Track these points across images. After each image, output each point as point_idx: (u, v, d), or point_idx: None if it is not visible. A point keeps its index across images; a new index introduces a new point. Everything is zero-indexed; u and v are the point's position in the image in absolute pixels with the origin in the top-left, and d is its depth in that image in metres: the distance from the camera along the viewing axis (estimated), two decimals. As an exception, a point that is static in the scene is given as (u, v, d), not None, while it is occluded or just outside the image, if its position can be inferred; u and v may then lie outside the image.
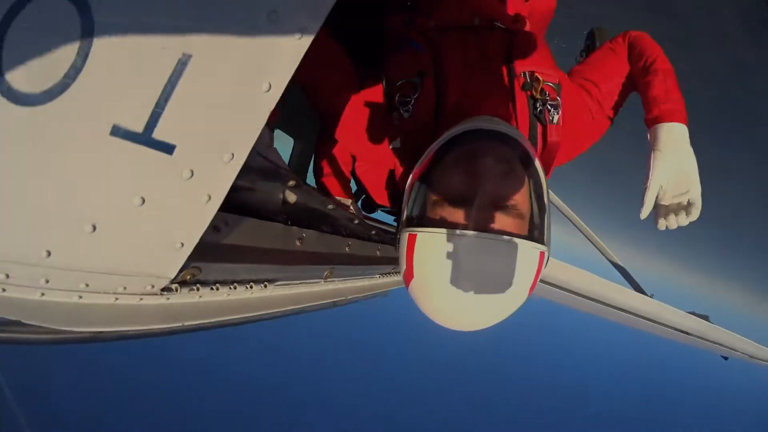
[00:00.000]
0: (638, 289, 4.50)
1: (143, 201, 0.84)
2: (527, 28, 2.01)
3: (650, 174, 1.69)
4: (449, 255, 1.27)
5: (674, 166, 1.69)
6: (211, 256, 1.13)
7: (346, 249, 1.78)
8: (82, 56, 0.69)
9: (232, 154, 0.89)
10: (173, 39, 0.77)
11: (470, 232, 1.26)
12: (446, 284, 1.27)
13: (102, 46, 0.69)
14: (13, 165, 0.78)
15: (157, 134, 0.78)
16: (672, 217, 1.71)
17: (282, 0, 0.86)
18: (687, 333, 4.82)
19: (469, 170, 1.37)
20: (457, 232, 1.26)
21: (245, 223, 1.21)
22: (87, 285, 0.95)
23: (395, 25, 1.97)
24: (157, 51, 0.76)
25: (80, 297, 0.99)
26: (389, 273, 2.10)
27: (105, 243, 0.86)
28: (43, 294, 0.95)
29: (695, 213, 1.68)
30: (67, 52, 0.69)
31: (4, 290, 0.91)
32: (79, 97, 0.71)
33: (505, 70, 1.79)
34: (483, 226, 1.30)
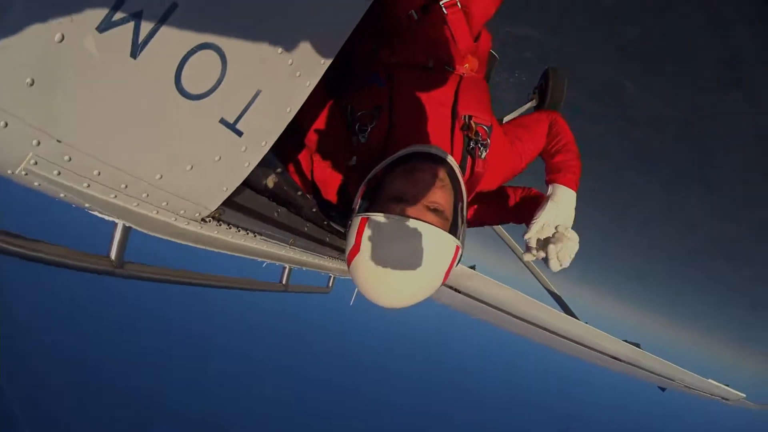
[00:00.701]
0: (571, 314, 4.81)
1: (220, 158, 1.48)
2: (474, 65, 2.44)
3: (540, 212, 2.21)
4: (389, 233, 1.73)
5: (561, 214, 2.22)
6: (228, 205, 1.70)
7: (305, 229, 2.24)
8: (216, 86, 1.31)
9: (265, 142, 1.57)
10: (252, 82, 1.42)
11: (407, 218, 1.72)
12: (384, 256, 1.72)
13: (229, 79, 1.32)
14: (169, 130, 1.33)
15: (238, 125, 1.44)
16: (547, 249, 2.16)
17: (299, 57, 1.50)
18: (619, 359, 5.08)
19: (411, 178, 1.84)
20: (398, 217, 1.73)
21: (246, 191, 1.76)
22: (166, 203, 1.52)
23: (362, 54, 2.34)
24: (249, 87, 1.41)
25: (157, 212, 1.54)
26: (334, 258, 2.58)
27: (192, 177, 1.47)
28: (138, 204, 1.47)
29: (571, 247, 2.14)
30: (214, 74, 1.30)
31: (115, 196, 1.41)
32: (213, 100, 1.33)
33: (449, 112, 2.20)
34: (416, 215, 1.76)
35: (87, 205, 1.41)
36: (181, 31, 1.20)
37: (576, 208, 2.31)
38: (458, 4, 2.40)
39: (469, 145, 2.19)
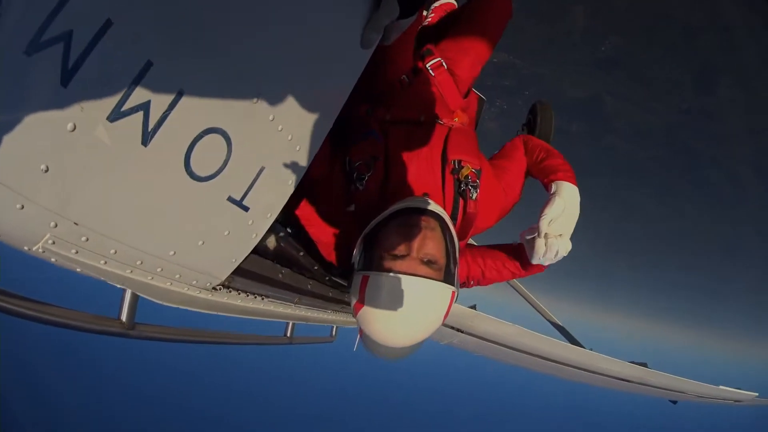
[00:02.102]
0: (576, 343, 4.86)
1: (229, 233, 1.56)
2: (464, 119, 2.53)
3: (548, 207, 2.27)
4: (388, 289, 1.86)
5: (567, 209, 2.28)
6: (237, 272, 1.78)
7: (309, 286, 2.32)
8: (223, 167, 1.40)
9: (270, 214, 1.66)
10: (256, 160, 1.51)
11: (404, 275, 1.85)
12: (387, 308, 1.85)
13: (234, 159, 1.40)
14: (181, 210, 1.41)
15: (245, 201, 1.52)
16: (549, 241, 2.24)
17: (298, 132, 1.61)
18: (628, 381, 5.09)
19: (406, 234, 1.92)
20: (397, 274, 1.86)
21: (251, 256, 1.81)
22: (179, 276, 1.60)
23: (360, 113, 2.39)
24: (253, 165, 1.50)
25: (171, 284, 1.61)
26: (337, 311, 2.65)
27: (204, 252, 1.55)
28: (152, 278, 1.54)
29: (562, 252, 2.26)
30: (220, 156, 1.39)
31: (131, 272, 1.48)
32: (220, 181, 1.41)
33: (439, 158, 2.29)
34: (413, 271, 1.88)
35: (103, 278, 1.47)
36: (188, 118, 1.28)
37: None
38: (444, 65, 2.54)
39: (459, 187, 2.28)
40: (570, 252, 2.32)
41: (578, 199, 2.35)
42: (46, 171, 1.10)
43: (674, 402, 6.18)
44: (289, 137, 1.56)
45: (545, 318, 5.56)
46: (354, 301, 1.99)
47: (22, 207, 1.11)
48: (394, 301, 1.85)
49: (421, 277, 1.88)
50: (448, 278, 1.99)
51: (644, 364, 4.89)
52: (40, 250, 1.25)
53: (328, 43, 1.56)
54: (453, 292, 1.98)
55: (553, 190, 2.38)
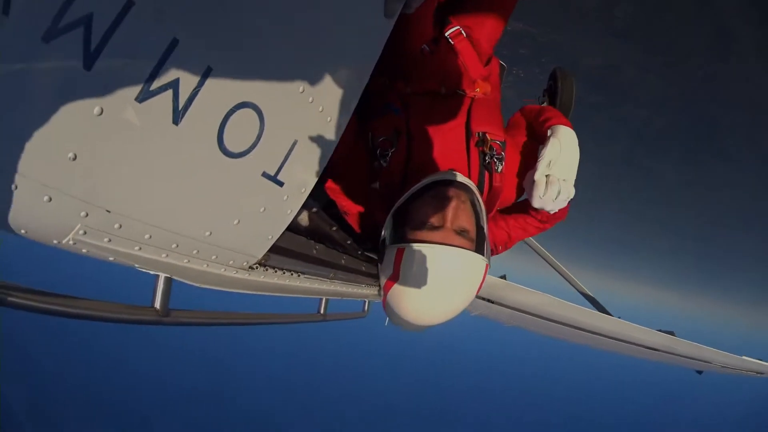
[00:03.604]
0: (605, 311, 4.87)
1: (264, 209, 1.52)
2: (486, 88, 2.46)
3: (545, 149, 2.22)
4: (426, 260, 1.84)
5: (564, 149, 2.22)
6: (273, 249, 1.73)
7: (343, 261, 2.28)
8: (256, 142, 1.35)
9: (305, 189, 1.61)
10: (289, 133, 1.47)
11: (441, 245, 1.84)
12: (423, 281, 1.84)
13: (267, 133, 1.35)
14: (216, 189, 1.37)
15: (279, 176, 1.47)
16: (549, 179, 2.17)
17: (328, 103, 1.56)
18: (655, 349, 5.15)
19: (436, 205, 1.91)
20: (431, 244, 1.85)
21: (286, 233, 1.75)
22: (216, 257, 1.56)
23: (378, 87, 2.33)
24: (286, 139, 1.45)
25: (207, 265, 1.58)
26: (370, 284, 2.61)
27: (240, 230, 1.51)
28: (188, 261, 1.51)
29: (564, 195, 2.17)
30: (253, 131, 1.34)
31: (166, 256, 1.44)
32: (254, 156, 1.36)
33: (463, 130, 2.29)
34: (449, 241, 1.86)
35: (137, 265, 1.45)
36: (219, 93, 1.24)
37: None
38: (463, 33, 2.48)
39: (485, 160, 2.26)
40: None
41: (575, 140, 2.31)
42: (74, 159, 1.06)
43: (700, 372, 6.23)
44: (320, 109, 1.51)
45: (574, 287, 5.54)
46: (385, 279, 1.99)
47: (50, 199, 1.08)
48: (432, 273, 1.84)
49: (456, 247, 1.85)
50: (480, 249, 1.96)
51: (671, 333, 4.90)
52: (71, 242, 1.21)
53: (352, 13, 1.50)
54: (486, 264, 1.96)
55: (549, 134, 2.33)
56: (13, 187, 1.02)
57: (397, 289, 1.94)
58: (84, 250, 1.28)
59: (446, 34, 2.48)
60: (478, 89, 2.43)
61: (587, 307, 4.98)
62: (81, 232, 1.19)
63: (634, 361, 6.06)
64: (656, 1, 10.72)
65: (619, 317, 4.83)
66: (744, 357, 5.54)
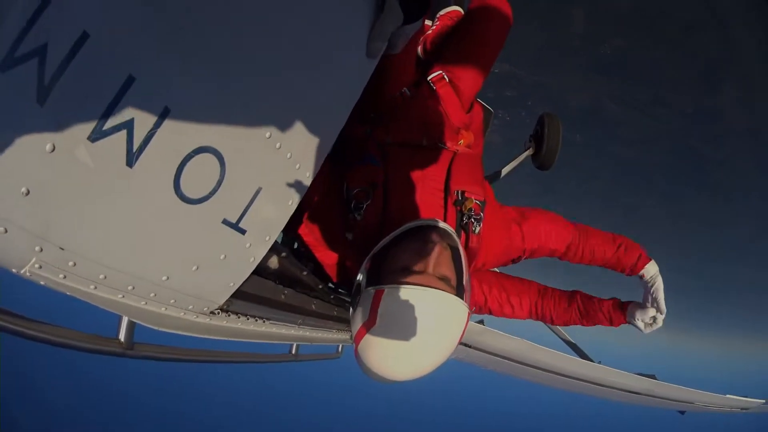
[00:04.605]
0: (585, 357, 4.79)
1: (225, 257, 1.45)
2: (469, 139, 2.34)
3: (659, 293, 2.46)
4: (407, 303, 1.65)
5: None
6: (236, 295, 1.66)
7: (313, 306, 2.21)
8: (216, 188, 1.29)
9: (269, 237, 1.54)
10: (253, 180, 1.40)
11: (423, 287, 1.67)
12: (404, 326, 1.65)
13: (228, 180, 1.29)
14: (172, 234, 1.30)
15: (241, 223, 1.40)
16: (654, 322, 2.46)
17: (298, 149, 1.50)
18: (637, 393, 5.07)
19: (421, 251, 1.79)
20: (415, 286, 1.67)
21: (252, 278, 1.68)
22: (174, 301, 1.49)
23: (358, 135, 2.27)
24: (249, 186, 1.39)
25: (165, 309, 1.50)
26: (343, 330, 2.55)
27: (199, 277, 1.43)
28: (146, 303, 1.44)
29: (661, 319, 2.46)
30: (213, 177, 1.28)
31: (123, 297, 1.37)
32: (213, 203, 1.30)
33: (442, 187, 2.17)
34: (432, 285, 1.71)
35: (94, 303, 1.37)
36: (177, 136, 1.17)
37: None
38: (445, 77, 2.41)
39: (462, 220, 2.17)
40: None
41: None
42: (27, 194, 1.01)
43: (682, 412, 6.11)
44: (289, 155, 1.45)
45: (555, 333, 5.38)
46: (358, 327, 1.78)
47: (5, 230, 1.03)
48: (412, 316, 1.66)
49: (439, 290, 1.71)
50: (461, 296, 1.82)
51: (653, 376, 4.80)
52: (27, 274, 1.16)
53: (331, 53, 1.45)
54: (468, 312, 1.82)
55: (649, 273, 2.53)
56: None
57: (371, 337, 1.71)
58: (42, 282, 1.22)
59: (428, 78, 2.42)
60: (461, 141, 2.33)
61: (567, 352, 4.89)
62: (36, 265, 1.14)
63: (615, 403, 5.95)
64: (642, 40, 10.87)
65: (599, 362, 4.71)
66: (728, 395, 5.50)
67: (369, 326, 1.71)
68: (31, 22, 0.90)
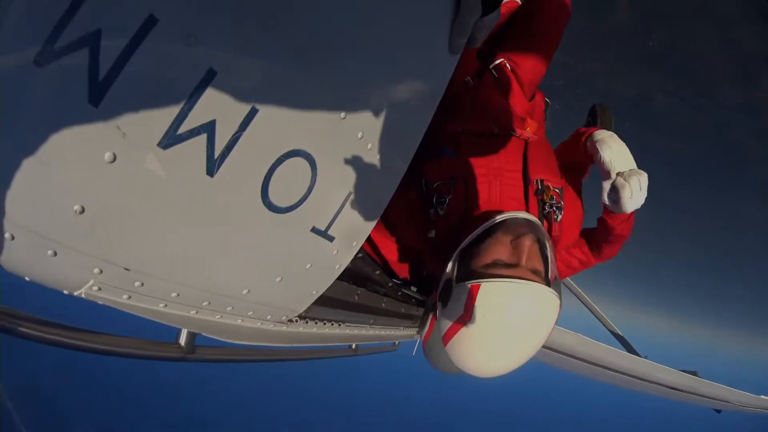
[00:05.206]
0: (632, 351, 4.81)
1: (311, 265, 1.32)
2: (534, 126, 2.27)
3: (600, 153, 1.98)
4: (506, 297, 1.62)
5: (614, 144, 2.00)
6: (315, 301, 1.54)
7: (383, 304, 2.12)
8: (307, 195, 1.16)
9: (356, 242, 1.41)
10: (344, 184, 1.27)
11: (522, 280, 1.62)
12: (502, 320, 1.62)
13: (320, 185, 1.17)
14: (257, 247, 1.19)
15: (330, 231, 1.27)
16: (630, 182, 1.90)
17: (386, 151, 1.35)
18: (678, 389, 5.00)
19: (515, 244, 1.73)
20: (514, 281, 1.63)
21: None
22: (252, 313, 1.38)
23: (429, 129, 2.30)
24: (341, 190, 1.26)
25: (242, 320, 1.40)
26: (408, 327, 2.47)
27: (281, 288, 1.32)
28: (221, 317, 1.34)
29: (644, 179, 1.91)
30: (304, 183, 1.15)
31: (196, 312, 1.27)
32: (303, 211, 1.17)
33: (521, 176, 2.10)
34: (527, 278, 1.66)
35: (160, 321, 1.25)
36: (265, 140, 1.02)
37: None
38: (508, 66, 2.36)
39: (544, 209, 2.09)
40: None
41: (614, 135, 2.10)
42: (81, 212, 0.86)
43: (718, 411, 6.03)
44: (378, 156, 1.31)
45: (605, 326, 5.48)
46: (450, 323, 1.73)
47: (55, 254, 0.89)
48: (512, 311, 1.63)
49: (536, 283, 1.65)
50: (554, 288, 1.76)
51: (695, 373, 4.83)
52: (83, 295, 1.02)
53: (415, 51, 1.31)
54: (560, 304, 1.75)
55: (592, 141, 2.10)
56: (7, 236, 0.84)
57: (467, 332, 1.67)
58: (100, 302, 1.08)
59: (491, 67, 2.36)
60: (528, 129, 2.24)
61: (616, 346, 4.92)
62: (95, 288, 1.01)
63: (652, 398, 5.96)
64: (688, 30, 10.51)
65: (646, 356, 4.76)
66: (762, 396, 5.46)
67: (464, 321, 1.66)
68: (77, 4, 0.73)
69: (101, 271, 0.97)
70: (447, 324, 1.74)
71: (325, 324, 1.72)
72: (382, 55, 1.20)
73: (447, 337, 1.75)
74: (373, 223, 1.45)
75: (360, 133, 1.22)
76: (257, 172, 1.05)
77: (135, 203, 0.92)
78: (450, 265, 1.86)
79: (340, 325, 1.82)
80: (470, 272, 1.76)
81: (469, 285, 1.67)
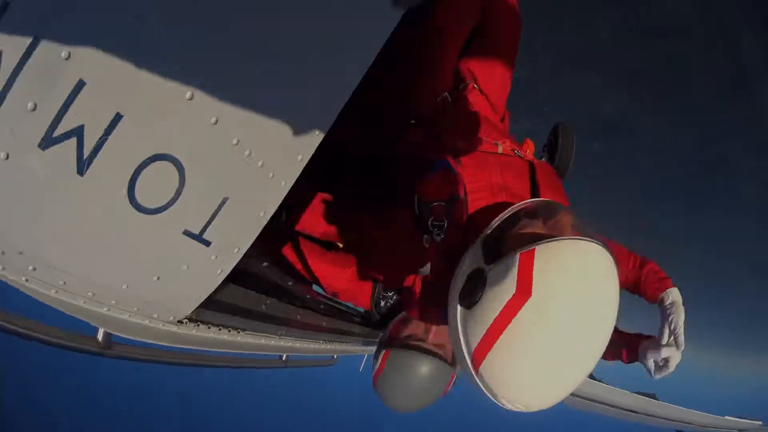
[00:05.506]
0: (589, 375, 4.78)
1: (188, 267, 1.37)
2: (532, 149, 2.11)
3: (678, 317, 1.78)
4: (575, 253, 1.29)
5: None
6: (207, 305, 1.58)
7: (298, 317, 2.12)
8: (175, 198, 1.20)
9: (238, 249, 1.45)
10: (217, 189, 1.30)
11: (581, 239, 1.32)
12: (578, 280, 1.27)
13: (189, 189, 1.21)
14: (127, 244, 1.24)
15: (205, 235, 1.32)
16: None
17: (271, 157, 1.39)
18: (636, 412, 5.03)
19: (553, 222, 1.45)
20: (573, 238, 1.31)
21: (229, 287, 1.65)
22: (138, 309, 1.43)
23: (417, 140, 2.04)
24: (213, 196, 1.30)
25: (129, 316, 1.44)
26: (331, 341, 2.47)
27: (160, 287, 1.37)
28: (108, 309, 1.39)
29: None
30: (171, 186, 1.19)
31: (84, 302, 1.33)
32: (172, 213, 1.22)
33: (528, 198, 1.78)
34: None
35: (57, 308, 1.33)
36: (129, 143, 1.10)
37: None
38: (476, 87, 2.28)
39: None
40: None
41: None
42: None
43: None
44: (260, 163, 1.33)
45: None
46: (487, 326, 1.28)
47: None
48: (587, 270, 1.30)
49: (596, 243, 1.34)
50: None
51: (653, 395, 4.84)
52: None
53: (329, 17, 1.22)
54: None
55: (671, 299, 1.91)
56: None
57: (527, 314, 1.23)
58: (11, 284, 1.22)
59: (459, 87, 2.28)
60: (528, 151, 2.05)
61: None
62: (1, 267, 1.14)
63: (607, 420, 5.89)
64: (665, 45, 10.62)
65: (600, 379, 4.72)
66: (726, 417, 5.45)
67: (520, 301, 1.25)
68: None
69: (3, 252, 1.11)
70: (481, 330, 1.31)
71: (221, 329, 1.75)
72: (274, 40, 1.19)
73: (485, 347, 1.30)
74: (256, 232, 1.46)
75: (235, 140, 1.23)
76: (122, 173, 1.12)
77: (25, 196, 1.06)
78: (471, 255, 1.53)
79: (239, 332, 1.85)
80: (510, 245, 1.40)
81: (518, 254, 1.31)
